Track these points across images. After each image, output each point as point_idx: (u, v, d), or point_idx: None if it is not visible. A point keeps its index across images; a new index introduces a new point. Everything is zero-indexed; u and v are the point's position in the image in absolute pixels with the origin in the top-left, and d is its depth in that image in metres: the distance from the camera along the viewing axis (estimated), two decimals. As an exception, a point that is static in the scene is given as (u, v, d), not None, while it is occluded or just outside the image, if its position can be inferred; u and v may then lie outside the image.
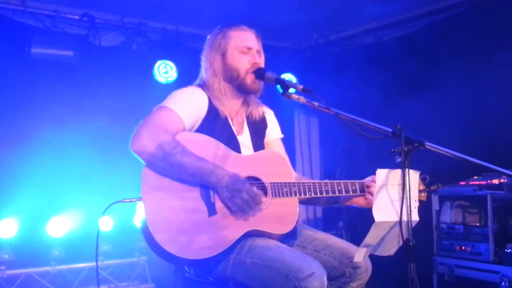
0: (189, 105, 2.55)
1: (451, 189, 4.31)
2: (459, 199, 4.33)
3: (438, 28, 5.11)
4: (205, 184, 2.42)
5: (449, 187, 4.30)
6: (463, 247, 4.17)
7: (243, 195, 2.37)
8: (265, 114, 2.89)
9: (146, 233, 2.35)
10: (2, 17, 4.86)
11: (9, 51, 4.78)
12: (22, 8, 4.96)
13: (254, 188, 2.41)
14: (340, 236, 5.90)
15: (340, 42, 6.15)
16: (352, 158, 5.91)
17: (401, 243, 2.22)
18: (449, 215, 4.35)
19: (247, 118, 2.80)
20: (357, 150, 5.56)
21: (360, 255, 2.31)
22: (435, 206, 4.42)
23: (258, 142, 2.81)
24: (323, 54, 6.21)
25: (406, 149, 2.16)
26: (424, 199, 2.71)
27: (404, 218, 2.14)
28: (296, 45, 6.53)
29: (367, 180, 2.69)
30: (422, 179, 2.64)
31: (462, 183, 4.34)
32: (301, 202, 2.77)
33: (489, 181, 4.15)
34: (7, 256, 4.53)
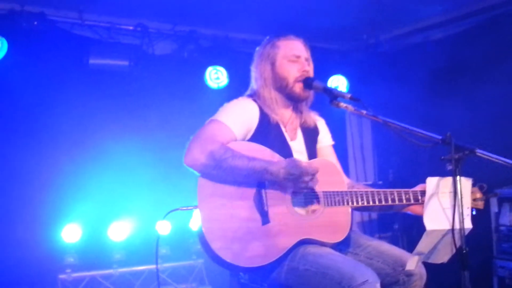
0: (240, 116, 2.62)
1: (510, 191, 4.20)
2: (519, 201, 4.22)
3: (489, 26, 4.97)
4: (260, 182, 2.48)
5: (508, 189, 4.20)
6: (524, 250, 4.08)
7: (304, 178, 2.43)
8: (316, 121, 2.93)
9: (203, 240, 2.44)
10: (62, 31, 5.07)
11: (69, 63, 4.98)
12: (79, 21, 5.16)
13: (310, 164, 2.49)
14: (396, 239, 5.85)
15: (390, 42, 6.07)
16: (406, 159, 5.83)
17: (454, 250, 2.21)
18: (509, 218, 4.25)
19: (301, 125, 2.85)
20: (412, 151, 5.48)
21: (412, 263, 2.31)
22: (494, 208, 4.33)
23: (311, 147, 2.86)
24: (373, 55, 6.16)
25: (456, 156, 2.14)
26: (481, 207, 2.64)
27: (457, 226, 2.13)
28: (345, 46, 6.49)
29: (419, 187, 2.67)
30: (479, 187, 2.60)
31: (521, 184, 4.23)
32: (355, 209, 2.78)
33: (549, 182, 4.03)
34: (72, 260, 4.73)
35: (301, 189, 2.50)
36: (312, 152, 2.83)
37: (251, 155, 2.49)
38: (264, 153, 2.57)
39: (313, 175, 2.46)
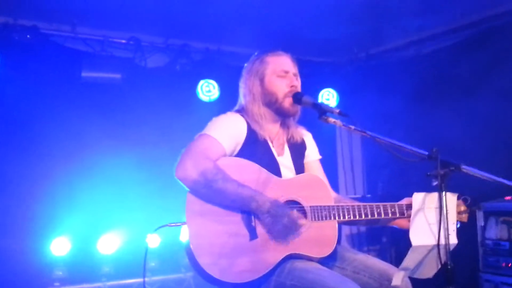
0: (228, 131, 2.65)
1: (496, 205, 4.24)
2: (505, 215, 4.25)
3: (479, 41, 5.04)
4: (246, 210, 2.50)
5: (494, 202, 4.24)
6: (510, 264, 4.09)
7: (284, 221, 2.45)
8: (303, 136, 2.96)
9: (190, 256, 2.45)
10: (55, 44, 5.11)
11: (61, 76, 5.02)
12: (72, 35, 5.21)
13: (295, 212, 2.49)
14: (384, 252, 5.87)
15: (381, 55, 6.14)
16: (395, 173, 5.87)
17: (439, 265, 2.24)
18: (495, 231, 4.28)
19: (288, 140, 2.87)
20: (401, 165, 5.52)
21: (398, 278, 2.33)
22: (480, 222, 4.35)
23: (299, 162, 2.88)
24: (363, 68, 6.22)
25: (442, 172, 2.17)
26: (465, 220, 2.67)
27: (442, 241, 2.16)
28: (336, 59, 6.55)
29: (405, 201, 2.70)
30: (463, 200, 2.63)
31: (507, 198, 4.27)
32: (342, 223, 2.80)
33: (535, 197, 4.08)
34: (60, 273, 4.73)
35: (276, 231, 2.47)
36: (299, 167, 2.86)
37: (239, 172, 2.52)
38: (252, 169, 2.59)
39: (295, 223, 2.47)
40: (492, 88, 4.72)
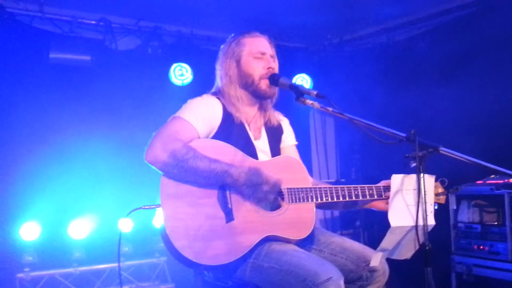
0: (202, 114, 2.60)
1: (468, 188, 4.30)
2: (477, 198, 4.32)
3: (450, 28, 5.09)
4: (221, 185, 2.46)
5: (466, 186, 4.30)
6: (481, 246, 4.18)
7: (263, 187, 2.42)
8: (280, 121, 2.94)
9: (165, 239, 2.41)
10: (21, 24, 4.93)
11: (28, 57, 4.85)
12: (40, 15, 5.03)
13: (270, 175, 2.45)
14: (358, 235, 5.93)
15: (354, 42, 6.16)
16: (368, 158, 5.92)
17: (417, 246, 2.24)
18: (467, 214, 4.35)
19: (265, 123, 2.84)
20: (374, 150, 5.56)
21: (376, 259, 2.34)
22: (453, 205, 4.42)
23: (275, 147, 2.86)
24: (337, 54, 6.23)
25: (420, 154, 2.17)
26: (443, 202, 2.70)
27: (420, 222, 2.16)
28: (310, 45, 6.53)
29: (383, 183, 2.70)
30: (441, 182, 2.64)
31: (479, 182, 4.33)
32: (319, 207, 2.79)
33: (506, 180, 4.13)
34: (30, 258, 4.62)
35: (259, 199, 2.47)
36: (275, 151, 2.84)
37: (214, 153, 2.48)
38: (227, 150, 2.56)
39: (274, 186, 2.45)
40: (465, 73, 4.78)
